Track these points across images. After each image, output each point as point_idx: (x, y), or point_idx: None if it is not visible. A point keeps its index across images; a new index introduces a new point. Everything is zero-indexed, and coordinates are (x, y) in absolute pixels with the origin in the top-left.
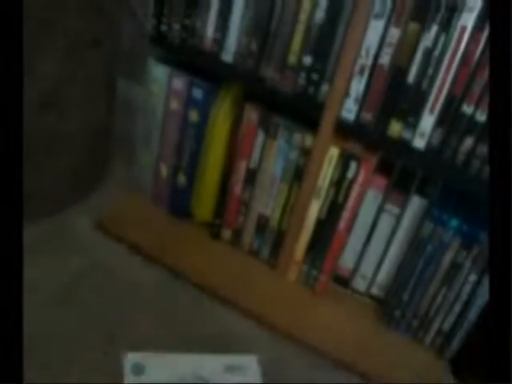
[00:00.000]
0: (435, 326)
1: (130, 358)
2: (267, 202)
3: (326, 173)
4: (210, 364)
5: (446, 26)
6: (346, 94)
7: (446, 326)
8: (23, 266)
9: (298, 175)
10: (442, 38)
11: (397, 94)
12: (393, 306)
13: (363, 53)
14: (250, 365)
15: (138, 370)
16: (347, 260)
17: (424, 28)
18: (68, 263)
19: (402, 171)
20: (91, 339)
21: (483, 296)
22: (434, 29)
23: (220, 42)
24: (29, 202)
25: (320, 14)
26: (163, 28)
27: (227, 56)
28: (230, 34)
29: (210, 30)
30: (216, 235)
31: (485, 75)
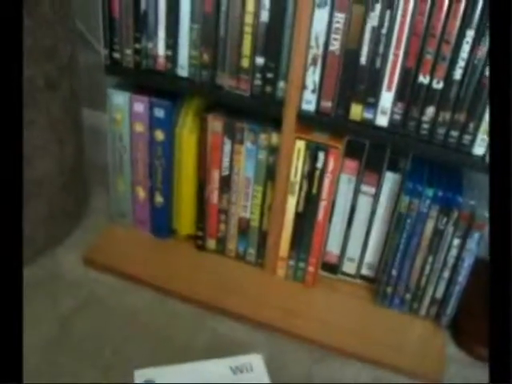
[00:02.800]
0: (428, 295)
1: (140, 375)
2: (245, 206)
3: (297, 167)
4: (217, 369)
5: (389, 2)
6: (303, 86)
7: (439, 293)
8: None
9: (270, 174)
10: (388, 15)
11: (352, 78)
12: (384, 283)
13: (313, 43)
14: (256, 363)
15: None
16: (333, 246)
17: (368, 8)
18: (59, 304)
19: (371, 151)
20: (90, 374)
21: (469, 258)
22: (378, 7)
23: (173, 58)
24: None
25: (265, 14)
26: (116, 55)
27: (182, 71)
28: (180, 49)
29: (161, 49)
30: (201, 247)
31: (434, 44)
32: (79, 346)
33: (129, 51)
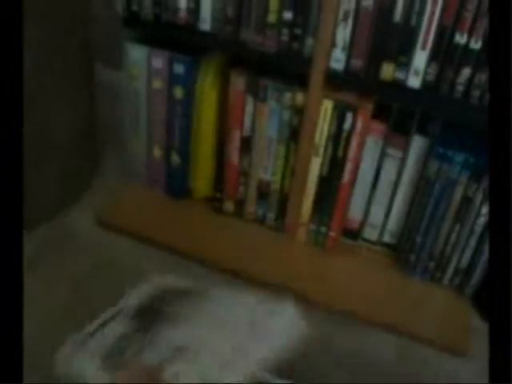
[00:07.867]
0: (452, 264)
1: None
2: (266, 167)
3: (322, 128)
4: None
5: None
6: (333, 43)
7: (464, 262)
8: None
9: (294, 135)
10: None
11: (385, 35)
12: (407, 251)
13: None
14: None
15: None
16: (355, 212)
17: None
18: (73, 265)
19: (400, 113)
20: None
21: None
22: None
23: (195, 11)
24: (24, 208)
25: None
26: (134, 7)
27: (204, 25)
28: (203, 2)
29: (182, 2)
30: (218, 209)
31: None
32: (92, 308)
33: (148, 3)
